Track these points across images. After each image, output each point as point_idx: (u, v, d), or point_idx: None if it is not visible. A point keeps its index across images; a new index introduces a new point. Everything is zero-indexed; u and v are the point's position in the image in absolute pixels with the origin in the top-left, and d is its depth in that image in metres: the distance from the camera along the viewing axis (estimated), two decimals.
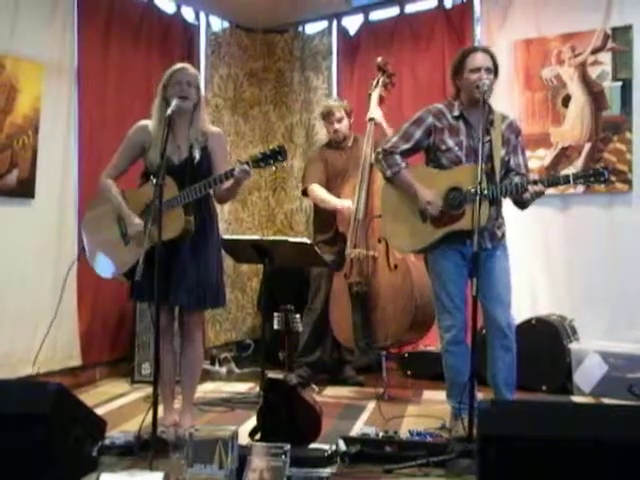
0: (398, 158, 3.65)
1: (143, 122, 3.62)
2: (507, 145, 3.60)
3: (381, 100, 4.80)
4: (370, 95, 4.82)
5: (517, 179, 3.54)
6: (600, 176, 3.33)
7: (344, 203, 4.67)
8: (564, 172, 4.89)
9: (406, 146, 3.65)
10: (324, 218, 4.86)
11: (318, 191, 4.85)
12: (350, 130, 4.94)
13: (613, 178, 4.72)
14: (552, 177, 3.59)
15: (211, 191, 3.52)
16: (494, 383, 3.60)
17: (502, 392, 3.56)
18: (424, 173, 3.65)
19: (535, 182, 3.41)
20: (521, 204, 3.56)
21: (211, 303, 3.69)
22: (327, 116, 4.92)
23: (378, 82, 4.82)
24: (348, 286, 4.54)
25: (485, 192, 3.33)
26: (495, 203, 3.55)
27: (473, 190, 3.31)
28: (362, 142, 4.90)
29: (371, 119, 4.72)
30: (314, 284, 4.92)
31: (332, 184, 4.86)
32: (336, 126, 4.87)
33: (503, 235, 3.67)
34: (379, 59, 4.89)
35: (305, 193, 5.01)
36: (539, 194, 3.41)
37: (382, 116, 4.74)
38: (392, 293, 4.43)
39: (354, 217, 4.59)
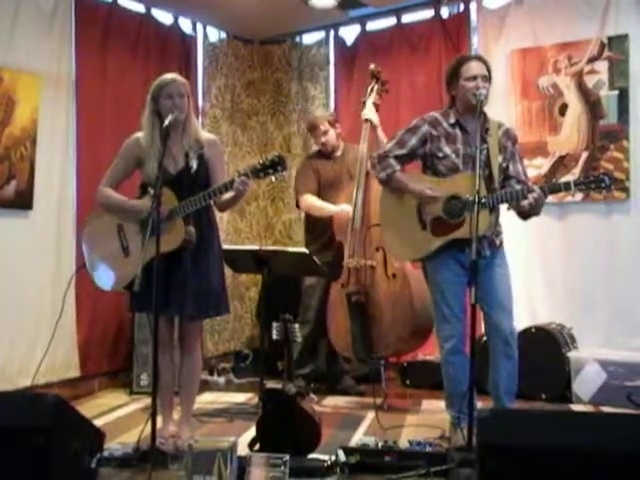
0: (392, 161, 3.65)
1: (136, 135, 3.63)
2: (504, 152, 3.61)
3: (376, 108, 4.78)
4: (364, 103, 4.81)
5: (518, 187, 3.54)
6: (601, 182, 3.30)
7: (342, 207, 4.63)
8: (562, 180, 4.90)
9: (400, 152, 3.66)
10: (316, 227, 4.83)
11: (311, 200, 4.80)
12: (338, 140, 4.92)
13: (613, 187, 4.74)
14: (552, 184, 3.58)
15: (211, 201, 3.53)
16: (495, 391, 3.60)
17: (503, 400, 3.56)
18: (422, 181, 3.66)
19: (534, 189, 3.40)
20: (523, 214, 3.55)
21: (213, 312, 3.70)
22: (312, 130, 4.91)
23: (372, 89, 4.79)
24: (346, 296, 4.52)
25: (484, 200, 3.34)
26: (494, 211, 3.56)
27: (472, 198, 3.32)
28: (353, 150, 4.90)
29: (367, 120, 4.68)
30: (306, 296, 4.89)
31: (324, 194, 4.81)
32: (323, 139, 4.84)
33: (501, 243, 3.68)
34: (372, 66, 4.88)
35: (298, 205, 4.96)
36: (538, 201, 3.39)
37: (378, 120, 4.70)
38: (391, 302, 4.42)
39: (351, 226, 4.58)
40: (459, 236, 3.48)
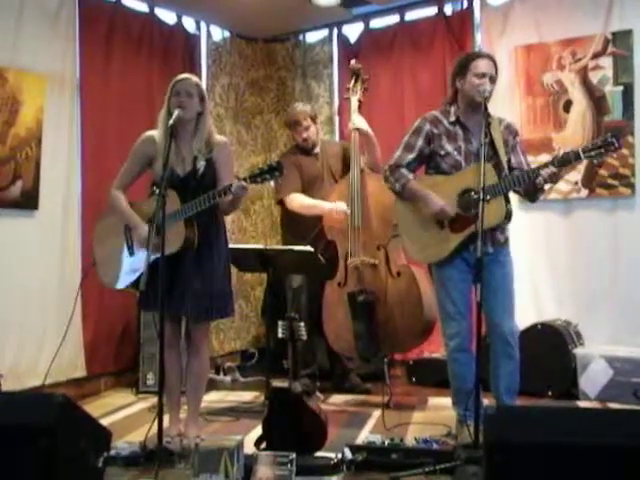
0: (405, 171, 3.67)
1: (149, 132, 3.64)
2: (506, 146, 3.61)
3: (360, 105, 4.77)
4: (348, 99, 4.80)
5: (526, 169, 3.53)
6: (610, 145, 3.23)
7: (336, 205, 4.59)
8: (567, 177, 4.90)
9: (410, 156, 3.67)
10: (299, 224, 4.75)
11: (300, 198, 4.74)
12: (317, 136, 4.93)
13: (616, 180, 4.74)
14: (562, 156, 3.41)
15: (209, 205, 3.53)
16: (496, 390, 3.60)
17: (503, 399, 3.56)
18: (431, 181, 3.66)
19: (546, 165, 3.36)
20: (532, 194, 3.54)
21: (217, 314, 3.69)
22: (294, 125, 4.87)
23: (355, 87, 4.79)
24: (349, 295, 4.49)
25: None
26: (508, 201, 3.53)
27: (489, 184, 3.31)
28: (330, 146, 4.97)
29: (357, 129, 4.67)
30: (295, 296, 4.81)
31: (308, 191, 4.78)
32: (304, 135, 4.82)
33: (506, 240, 3.67)
34: (353, 62, 4.88)
35: (281, 203, 4.87)
36: (552, 177, 3.35)
37: (366, 124, 4.70)
38: (398, 301, 4.41)
39: (352, 225, 4.56)
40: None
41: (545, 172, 3.34)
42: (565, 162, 3.35)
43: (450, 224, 3.56)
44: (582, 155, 3.28)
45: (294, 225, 4.83)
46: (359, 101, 4.77)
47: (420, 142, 3.66)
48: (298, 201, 4.75)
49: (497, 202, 3.38)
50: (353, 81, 4.81)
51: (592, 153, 3.27)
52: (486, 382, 3.55)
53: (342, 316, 4.54)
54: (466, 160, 3.57)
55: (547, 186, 3.52)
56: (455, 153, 3.59)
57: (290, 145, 6.18)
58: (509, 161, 3.60)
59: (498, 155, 3.52)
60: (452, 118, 3.64)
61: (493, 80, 3.56)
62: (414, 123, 3.72)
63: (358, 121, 4.71)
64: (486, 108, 3.49)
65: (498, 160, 3.51)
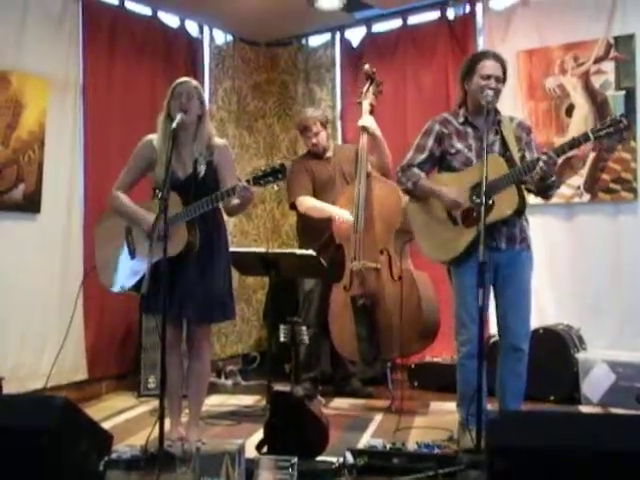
0: (416, 170, 3.68)
1: (149, 137, 3.64)
2: (519, 142, 3.61)
3: (372, 109, 4.77)
4: (360, 103, 4.80)
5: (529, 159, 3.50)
6: (619, 123, 3.20)
7: (342, 213, 4.61)
8: (569, 181, 4.91)
9: (422, 157, 3.69)
10: (312, 229, 4.77)
11: (310, 201, 4.76)
12: (329, 140, 4.93)
13: (618, 184, 4.73)
14: (570, 140, 3.35)
15: (220, 205, 3.53)
16: (500, 392, 3.59)
17: (506, 401, 3.55)
18: (443, 179, 3.67)
19: (541, 156, 3.31)
20: (542, 190, 3.51)
21: (218, 317, 3.69)
22: (303, 131, 4.88)
23: (368, 90, 4.78)
24: (351, 299, 4.50)
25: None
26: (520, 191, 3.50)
27: (500, 175, 3.31)
28: (343, 150, 4.95)
29: (364, 128, 4.67)
30: (306, 299, 4.83)
31: (319, 195, 4.79)
32: (314, 140, 4.83)
33: (524, 240, 3.60)
34: (366, 66, 4.87)
35: (293, 206, 4.89)
36: (548, 163, 3.27)
37: (375, 125, 4.69)
38: (398, 305, 4.39)
39: (355, 229, 4.57)
40: (492, 220, 3.39)
41: (542, 160, 3.27)
42: (575, 146, 3.33)
43: (463, 219, 3.55)
44: (591, 135, 3.25)
45: (308, 230, 4.85)
46: (371, 105, 4.76)
47: (431, 142, 3.67)
48: (307, 203, 4.77)
49: (509, 193, 3.38)
50: (367, 85, 4.80)
51: (601, 133, 3.23)
52: (491, 387, 3.55)
53: (347, 320, 4.54)
54: (477, 157, 3.56)
55: (554, 179, 3.48)
56: (466, 150, 3.60)
57: (292, 149, 6.24)
58: (523, 157, 3.57)
59: (510, 152, 3.52)
60: (461, 119, 3.65)
61: (500, 80, 3.56)
62: (424, 125, 3.73)
63: (366, 119, 4.70)
64: (489, 113, 3.48)
65: (510, 156, 3.51)
